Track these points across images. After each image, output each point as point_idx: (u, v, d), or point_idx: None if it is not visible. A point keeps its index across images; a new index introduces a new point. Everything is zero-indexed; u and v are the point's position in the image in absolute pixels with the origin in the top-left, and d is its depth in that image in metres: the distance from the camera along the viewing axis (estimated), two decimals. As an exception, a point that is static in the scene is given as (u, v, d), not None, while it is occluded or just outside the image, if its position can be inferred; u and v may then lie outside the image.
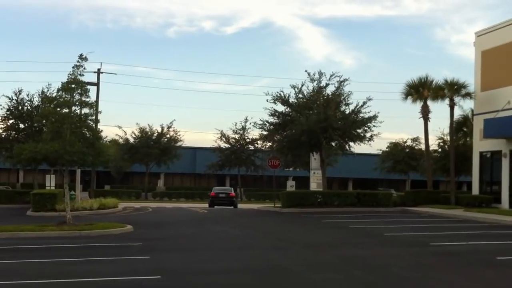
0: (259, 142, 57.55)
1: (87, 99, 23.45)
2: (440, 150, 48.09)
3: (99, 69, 45.02)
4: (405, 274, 12.65)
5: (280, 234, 21.67)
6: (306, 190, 39.78)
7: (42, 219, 25.50)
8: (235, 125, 60.31)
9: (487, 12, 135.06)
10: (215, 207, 42.32)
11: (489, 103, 35.06)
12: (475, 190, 36.42)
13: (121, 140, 58.75)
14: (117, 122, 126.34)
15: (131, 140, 58.85)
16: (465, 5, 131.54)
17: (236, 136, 60.18)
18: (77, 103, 22.97)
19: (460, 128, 43.08)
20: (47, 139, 22.57)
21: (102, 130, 25.05)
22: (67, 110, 22.83)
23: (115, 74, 76.76)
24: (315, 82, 37.55)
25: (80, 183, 36.31)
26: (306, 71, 37.84)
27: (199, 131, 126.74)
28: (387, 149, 62.52)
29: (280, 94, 37.58)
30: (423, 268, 13.52)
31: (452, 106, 37.38)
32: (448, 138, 41.92)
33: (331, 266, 13.59)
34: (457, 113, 40.47)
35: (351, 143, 38.12)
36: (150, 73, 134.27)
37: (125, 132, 58.79)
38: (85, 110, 23.34)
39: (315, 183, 39.86)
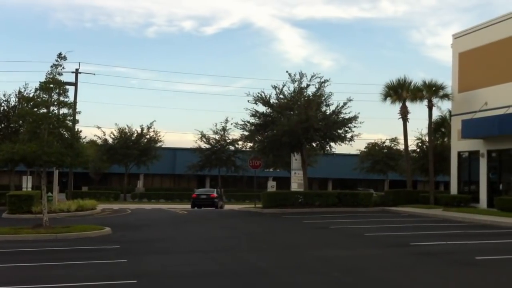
0: (239, 142, 57.39)
1: (66, 99, 23.06)
2: (418, 150, 48.28)
3: (77, 69, 44.43)
4: (384, 275, 12.52)
5: (260, 235, 21.50)
6: (287, 191, 39.66)
7: (18, 222, 25.09)
8: (216, 125, 60.05)
9: (462, 15, 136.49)
10: (195, 208, 42.18)
11: (466, 104, 35.24)
12: (454, 190, 36.57)
13: (99, 141, 58.12)
14: (95, 123, 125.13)
15: (110, 140, 58.25)
16: (440, 8, 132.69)
17: (217, 137, 59.89)
18: (55, 103, 22.58)
19: (438, 128, 43.31)
20: (25, 140, 22.16)
21: (80, 131, 24.65)
22: (45, 110, 22.45)
23: (94, 74, 75.98)
24: (296, 83, 37.56)
25: (58, 185, 35.76)
26: (287, 71, 37.79)
27: (179, 132, 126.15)
28: (366, 150, 62.70)
29: (261, 94, 37.52)
30: (403, 268, 13.43)
31: (430, 107, 37.56)
32: (427, 138, 42.09)
33: (310, 268, 13.42)
34: (435, 114, 40.72)
35: (332, 144, 38.15)
36: (129, 73, 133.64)
37: (104, 132, 58.24)
38: (64, 110, 22.96)
39: (296, 183, 39.75)
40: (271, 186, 47.11)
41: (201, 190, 49.55)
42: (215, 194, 45.75)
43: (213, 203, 44.12)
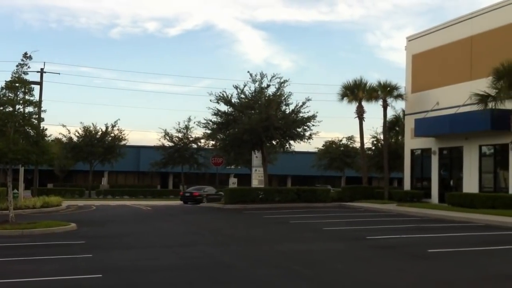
0: (202, 140, 57.20)
1: (31, 98, 22.63)
2: (374, 148, 48.91)
3: (42, 69, 43.56)
4: (342, 267, 12.60)
5: (223, 230, 21.43)
6: (248, 187, 39.64)
7: (-17, 218, 24.45)
8: (179, 124, 59.72)
9: (415, 19, 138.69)
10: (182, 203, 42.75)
11: (419, 104, 35.77)
12: (407, 185, 37.10)
13: (65, 139, 57.15)
14: (61, 121, 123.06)
15: (75, 139, 57.35)
16: (394, 12, 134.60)
17: (180, 135, 59.53)
18: (21, 101, 22.14)
19: (393, 127, 43.90)
20: (-10, 138, 21.62)
21: (46, 129, 24.17)
22: (11, 109, 21.98)
23: (59, 73, 74.66)
24: (257, 83, 37.66)
25: (23, 182, 35.05)
26: (248, 72, 37.86)
27: (143, 130, 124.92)
28: (324, 148, 63.12)
29: (223, 94, 37.52)
30: (360, 261, 13.53)
31: (385, 106, 38.04)
32: (382, 137, 42.65)
33: (272, 261, 13.43)
34: (390, 113, 41.28)
35: (291, 142, 38.34)
36: (94, 73, 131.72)
37: (69, 130, 57.27)
38: (29, 109, 22.56)
39: (257, 180, 39.81)
40: (233, 182, 47.01)
41: (190, 188, 49.39)
42: (197, 193, 45.19)
43: (196, 200, 43.54)
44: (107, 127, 57.63)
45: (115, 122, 57.79)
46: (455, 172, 33.58)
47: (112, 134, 57.74)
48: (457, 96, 31.88)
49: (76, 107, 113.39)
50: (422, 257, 14.12)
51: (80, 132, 57.21)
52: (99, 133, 57.33)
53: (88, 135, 56.88)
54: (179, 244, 16.85)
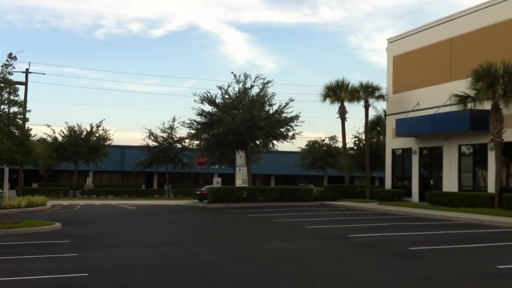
0: (186, 140, 57.05)
1: (16, 98, 22.49)
2: (356, 148, 49.17)
3: (27, 69, 43.31)
4: (325, 265, 12.64)
5: (207, 229, 21.41)
6: (232, 186, 39.65)
7: (-33, 218, 24.16)
8: (163, 124, 59.58)
9: (396, 21, 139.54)
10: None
11: (400, 105, 35.98)
12: (388, 185, 37.29)
13: (49, 139, 56.63)
14: (46, 121, 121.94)
15: (60, 139, 56.85)
16: (375, 15, 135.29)
17: (164, 135, 59.32)
18: (5, 101, 21.97)
19: (374, 127, 44.14)
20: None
21: (31, 129, 24.02)
22: (-4, 109, 21.79)
23: (44, 74, 74.49)
24: (241, 84, 37.67)
25: (8, 181, 34.69)
26: (232, 72, 37.97)
27: (128, 130, 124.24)
28: (306, 147, 63.27)
29: (207, 94, 37.49)
30: (342, 259, 13.59)
31: (366, 107, 38.27)
32: (363, 136, 42.87)
33: (256, 260, 13.43)
34: (372, 113, 41.55)
35: (275, 141, 38.39)
36: (79, 73, 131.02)
37: (53, 130, 56.74)
38: (14, 109, 22.43)
39: (241, 179, 39.85)
40: (217, 182, 47.01)
41: (204, 187, 49.13)
42: (206, 191, 44.85)
43: (206, 197, 43.24)
44: (92, 127, 57.22)
45: (100, 122, 57.39)
46: (435, 171, 33.82)
47: (97, 134, 57.31)
48: (437, 97, 32.12)
49: (61, 107, 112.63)
50: (403, 255, 14.22)
51: (65, 132, 56.73)
52: (84, 133, 56.87)
53: (73, 135, 56.40)
54: (164, 243, 16.79)
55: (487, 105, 27.37)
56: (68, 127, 56.73)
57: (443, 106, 31.22)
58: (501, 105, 27.07)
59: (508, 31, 28.84)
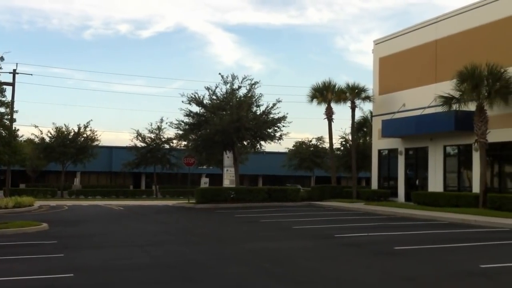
0: (174, 141, 56.91)
1: (3, 99, 22.45)
2: (342, 148, 49.35)
3: (14, 70, 42.91)
4: (311, 265, 12.68)
5: (194, 229, 21.39)
6: (219, 187, 39.61)
7: (-47, 219, 23.98)
8: (151, 125, 59.40)
9: (382, 23, 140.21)
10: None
11: (386, 106, 36.16)
12: (374, 185, 37.45)
13: (37, 140, 56.30)
14: (33, 122, 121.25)
15: (47, 139, 56.51)
16: (362, 17, 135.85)
17: (152, 136, 59.16)
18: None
19: (361, 128, 44.32)
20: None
21: (18, 129, 23.95)
22: (-18, 110, 21.65)
23: (31, 74, 74.07)
24: (228, 85, 37.68)
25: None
26: (220, 74, 37.96)
27: (115, 131, 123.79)
28: (294, 148, 63.38)
29: (195, 95, 37.44)
30: (328, 258, 13.64)
31: (353, 108, 38.41)
32: (350, 137, 43.01)
33: (243, 260, 13.45)
34: (358, 114, 41.74)
35: (262, 142, 38.40)
36: (67, 74, 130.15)
37: (41, 131, 56.37)
38: (1, 110, 22.31)
39: (228, 180, 39.84)
40: (204, 182, 46.94)
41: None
42: None
43: None
44: (79, 128, 56.94)
45: (87, 122, 57.15)
46: (420, 171, 34.01)
47: (85, 135, 57.05)
48: (423, 98, 32.31)
49: (49, 108, 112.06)
50: (388, 254, 14.30)
51: (52, 132, 56.40)
52: (72, 134, 56.58)
53: (60, 135, 56.09)
54: (151, 243, 16.76)
55: (471, 106, 27.57)
56: (55, 128, 56.44)
57: (429, 107, 31.42)
58: (485, 106, 27.28)
59: (492, 33, 29.08)
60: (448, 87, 28.21)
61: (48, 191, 55.74)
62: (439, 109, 28.93)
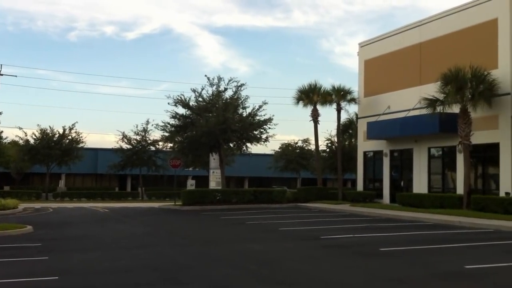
0: (160, 143, 56.71)
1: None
2: (328, 150, 49.46)
3: (-1, 71, 42.58)
4: (297, 266, 12.67)
5: (180, 231, 21.31)
6: (205, 189, 39.54)
7: None
8: (137, 127, 59.17)
9: (367, 26, 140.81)
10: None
11: (371, 108, 36.31)
12: (360, 186, 37.58)
13: (21, 142, 55.81)
14: (17, 124, 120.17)
15: (32, 141, 56.06)
16: (347, 19, 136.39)
17: (138, 138, 58.94)
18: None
19: (346, 130, 44.44)
20: None
21: (1, 131, 23.70)
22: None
23: (16, 76, 73.56)
24: (214, 87, 37.63)
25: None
26: (206, 76, 38.14)
27: (101, 133, 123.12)
28: (280, 150, 63.41)
29: (181, 97, 37.33)
30: (314, 260, 13.63)
31: (339, 110, 38.52)
32: (336, 139, 43.12)
33: (229, 262, 13.41)
34: (344, 116, 41.94)
35: (248, 144, 38.39)
36: (52, 75, 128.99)
37: (25, 133, 55.90)
38: (-16, 111, 21.98)
39: (215, 181, 39.76)
40: (191, 184, 46.83)
41: None
42: None
43: None
44: (64, 130, 56.56)
45: (72, 124, 56.79)
46: (405, 173, 34.17)
47: (70, 137, 56.69)
48: (408, 100, 32.48)
49: (33, 109, 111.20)
50: (374, 256, 14.33)
51: (37, 134, 55.99)
52: (57, 136, 56.20)
53: (45, 137, 55.67)
54: (136, 246, 16.66)
55: (455, 109, 27.76)
56: (40, 130, 56.01)
57: (413, 109, 31.58)
58: (469, 109, 27.47)
59: (476, 36, 29.31)
60: (432, 90, 28.39)
61: (32, 193, 55.31)
62: (424, 111, 29.11)
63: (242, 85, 37.54)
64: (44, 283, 10.87)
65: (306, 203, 35.69)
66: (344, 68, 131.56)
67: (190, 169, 56.82)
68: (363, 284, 10.79)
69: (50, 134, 55.98)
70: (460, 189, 28.52)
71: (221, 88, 37.56)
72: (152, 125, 57.15)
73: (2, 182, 63.59)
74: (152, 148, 59.41)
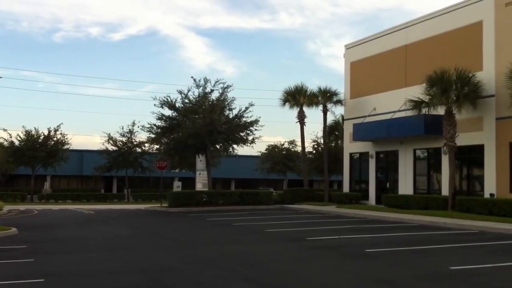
0: (146, 144, 56.55)
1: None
2: (314, 152, 49.59)
3: (-17, 72, 42.30)
4: (283, 268, 12.70)
5: (167, 233, 21.25)
6: (192, 190, 39.44)
7: None
8: (122, 128, 58.99)
9: (352, 28, 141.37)
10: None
11: (357, 110, 36.44)
12: (346, 188, 37.69)
13: (6, 143, 55.36)
14: (2, 125, 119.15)
15: (17, 143, 55.63)
16: (333, 21, 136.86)
17: (124, 139, 58.71)
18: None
19: (332, 131, 44.53)
20: None
21: (-15, 133, 23.48)
22: None
23: (0, 77, 72.96)
24: (201, 88, 37.55)
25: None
26: (192, 77, 37.74)
27: (86, 134, 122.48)
28: (266, 151, 63.47)
29: (167, 99, 37.23)
30: (300, 261, 13.65)
31: (325, 112, 38.60)
32: (322, 141, 43.20)
33: (215, 263, 13.40)
34: (330, 118, 41.91)
35: (235, 146, 38.35)
36: (37, 77, 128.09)
37: (10, 134, 55.49)
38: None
39: (201, 183, 39.67)
40: (177, 186, 46.64)
41: None
42: None
43: None
44: (49, 131, 56.21)
45: (57, 126, 56.46)
46: (391, 174, 34.33)
47: (55, 138, 56.36)
48: (393, 102, 32.64)
49: (18, 111, 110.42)
50: (360, 257, 14.38)
51: (22, 136, 55.60)
52: (42, 137, 55.84)
53: (30, 139, 55.30)
54: (122, 248, 16.59)
55: (440, 110, 27.93)
56: (25, 131, 55.63)
57: (399, 111, 31.75)
58: (454, 110, 27.66)
59: (460, 38, 29.53)
60: (417, 91, 28.55)
61: (17, 195, 54.90)
62: (409, 113, 29.28)
63: (228, 86, 37.56)
64: (30, 285, 10.79)
65: (292, 205, 35.74)
66: (330, 70, 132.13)
67: (177, 170, 56.67)
68: (349, 285, 10.83)
69: (35, 136, 55.61)
70: (445, 191, 28.70)
71: (208, 89, 37.54)
72: (138, 126, 56.97)
73: (-14, 184, 63.03)
74: (138, 149, 59.22)
